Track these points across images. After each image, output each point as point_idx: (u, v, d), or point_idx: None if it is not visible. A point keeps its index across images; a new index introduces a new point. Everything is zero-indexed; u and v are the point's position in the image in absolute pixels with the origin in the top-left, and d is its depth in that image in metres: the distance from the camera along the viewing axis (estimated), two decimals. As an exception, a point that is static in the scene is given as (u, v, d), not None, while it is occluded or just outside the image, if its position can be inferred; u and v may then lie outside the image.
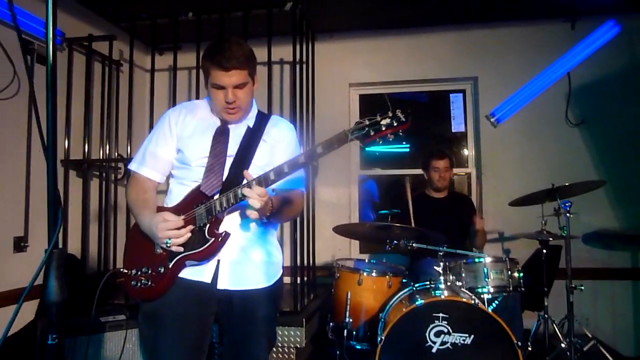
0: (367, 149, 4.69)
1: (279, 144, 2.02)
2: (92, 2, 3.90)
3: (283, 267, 2.05)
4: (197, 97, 3.72)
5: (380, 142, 1.61)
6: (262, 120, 2.07)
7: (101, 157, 4.07)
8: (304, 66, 4.01)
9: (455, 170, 3.98)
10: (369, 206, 4.92)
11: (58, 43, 3.77)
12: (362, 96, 4.61)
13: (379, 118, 1.59)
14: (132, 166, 2.07)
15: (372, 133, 1.59)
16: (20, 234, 3.37)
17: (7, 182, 3.33)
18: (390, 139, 1.60)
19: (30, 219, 3.42)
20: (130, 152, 3.97)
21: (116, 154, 4.16)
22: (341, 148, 1.64)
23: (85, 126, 3.96)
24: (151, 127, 3.74)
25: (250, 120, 2.05)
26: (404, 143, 4.86)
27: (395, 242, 3.03)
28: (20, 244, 3.34)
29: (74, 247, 3.81)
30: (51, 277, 1.16)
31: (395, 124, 1.57)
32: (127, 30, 4.06)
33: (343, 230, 3.27)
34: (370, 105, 4.54)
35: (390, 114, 1.58)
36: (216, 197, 1.87)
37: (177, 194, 1.98)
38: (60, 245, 1.10)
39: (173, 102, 3.81)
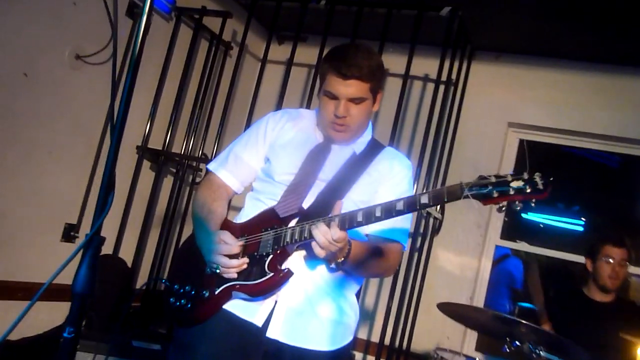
0: (523, 214, 4.72)
1: (386, 180, 2.14)
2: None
3: (356, 332, 2.17)
4: (311, 101, 3.99)
5: (504, 209, 1.64)
6: (374, 149, 2.20)
7: (182, 152, 4.37)
8: (452, 88, 4.09)
9: (632, 270, 3.89)
10: (506, 292, 4.88)
11: (165, 11, 4.19)
12: (524, 142, 4.61)
13: (509, 178, 1.62)
14: (211, 165, 2.28)
15: (495, 194, 1.62)
16: (72, 221, 3.78)
17: (74, 159, 3.74)
18: (518, 208, 1.62)
19: (88, 207, 3.82)
20: (216, 153, 4.26)
21: (200, 151, 4.42)
22: (476, 204, 1.70)
23: (173, 112, 4.29)
24: (248, 127, 4.03)
25: (358, 146, 2.19)
26: (581, 219, 4.78)
27: (517, 343, 2.91)
28: (70, 233, 3.74)
29: (127, 251, 4.14)
30: (84, 265, 1.29)
31: (528, 191, 1.59)
32: (246, 8, 4.43)
33: (452, 311, 3.28)
34: (535, 157, 4.54)
35: (525, 176, 1.61)
36: (291, 224, 1.98)
37: (249, 210, 2.15)
38: (113, 246, 1.22)
39: (281, 103, 4.08)
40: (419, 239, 4.19)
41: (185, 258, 2.20)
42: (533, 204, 1.60)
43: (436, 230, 4.30)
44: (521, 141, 4.59)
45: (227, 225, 2.12)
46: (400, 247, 2.13)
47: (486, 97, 4.51)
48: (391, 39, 3.67)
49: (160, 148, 4.25)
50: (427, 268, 4.17)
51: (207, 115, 4.45)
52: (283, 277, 1.96)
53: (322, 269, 2.04)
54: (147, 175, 4.27)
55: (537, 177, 1.59)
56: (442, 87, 3.95)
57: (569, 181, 4.83)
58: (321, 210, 1.97)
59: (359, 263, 1.98)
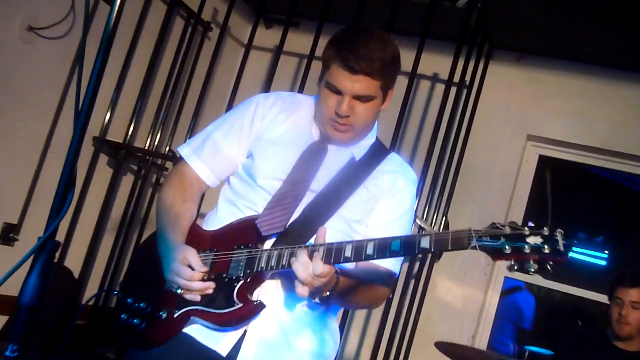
0: None
1: (386, 198, 2.15)
2: None
3: (338, 364, 2.13)
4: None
5: (516, 269, 1.65)
6: (376, 156, 2.20)
7: (146, 148, 4.31)
8: (466, 92, 4.09)
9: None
10: (511, 330, 4.87)
11: (136, -19, 4.13)
12: (545, 159, 4.58)
13: (526, 231, 1.62)
14: (184, 151, 2.23)
15: (507, 250, 1.62)
16: (12, 221, 3.73)
17: (17, 149, 3.66)
18: (532, 271, 1.62)
19: (32, 206, 3.76)
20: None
21: (167, 148, 4.40)
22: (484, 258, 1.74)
23: (139, 100, 4.22)
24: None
25: (359, 150, 2.18)
26: (605, 252, 4.84)
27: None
28: (8, 235, 3.69)
29: (74, 259, 4.08)
30: (35, 273, 1.30)
31: (546, 251, 1.58)
32: (230, -17, 4.39)
33: (451, 352, 3.26)
34: (558, 178, 4.56)
35: (545, 232, 1.60)
36: (269, 244, 1.99)
37: (223, 215, 2.14)
38: (59, 253, 1.21)
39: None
40: (417, 265, 4.17)
41: (143, 263, 2.19)
42: (550, 268, 1.60)
43: (437, 255, 4.24)
44: (541, 157, 4.60)
45: (196, 232, 2.11)
46: (392, 275, 2.15)
47: (504, 104, 4.51)
48: (398, 30, 3.61)
49: (122, 141, 4.21)
50: (425, 299, 4.14)
51: (178, 106, 4.42)
52: (253, 310, 1.96)
53: (299, 302, 2.06)
54: (104, 172, 4.23)
55: (559, 236, 1.59)
56: (453, 90, 3.97)
57: (593, 207, 4.80)
58: (306, 231, 1.99)
59: (346, 296, 2.00)
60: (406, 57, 3.79)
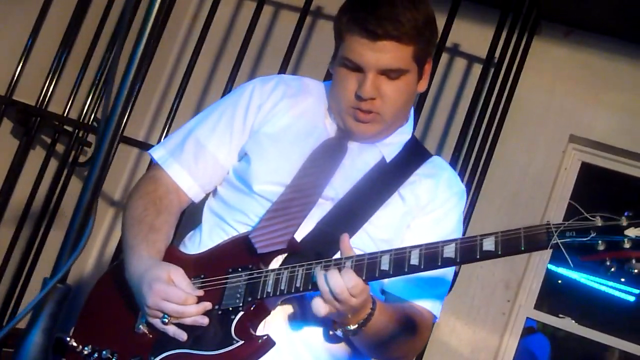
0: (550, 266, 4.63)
1: (425, 212, 2.01)
2: None
3: None
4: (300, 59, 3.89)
5: (613, 270, 1.56)
6: (414, 156, 2.07)
7: (65, 114, 3.91)
8: (503, 71, 3.73)
9: None
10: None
11: None
12: (588, 167, 4.21)
13: (624, 222, 1.52)
14: (157, 153, 2.08)
15: (600, 247, 1.54)
16: None
17: None
18: (635, 271, 1.55)
19: None
20: (123, 122, 3.72)
21: (92, 116, 3.99)
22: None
23: (60, 49, 3.80)
24: (181, 83, 3.77)
25: (390, 148, 2.04)
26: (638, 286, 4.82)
27: None
28: None
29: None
30: (37, 327, 1.26)
31: None
32: None
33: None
34: (604, 193, 4.36)
35: None
36: (274, 264, 1.85)
37: (208, 235, 2.00)
38: None
39: (246, 48, 3.72)
40: None
41: (101, 304, 2.03)
42: None
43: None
44: (583, 165, 4.21)
45: (173, 256, 1.94)
46: (432, 319, 2.01)
47: (545, 92, 4.10)
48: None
49: (34, 104, 3.78)
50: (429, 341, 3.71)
51: (106, 59, 3.99)
52: (259, 348, 1.78)
53: (317, 336, 1.89)
54: (8, 143, 3.77)
55: None
56: (484, 68, 3.63)
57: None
58: (324, 247, 1.85)
59: (378, 337, 1.82)
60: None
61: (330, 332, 1.84)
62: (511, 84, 3.86)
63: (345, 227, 1.87)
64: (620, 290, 4.78)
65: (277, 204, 1.91)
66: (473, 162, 3.74)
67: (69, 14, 3.79)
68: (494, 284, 3.99)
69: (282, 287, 1.77)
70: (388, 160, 2.01)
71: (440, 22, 3.47)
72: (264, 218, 1.90)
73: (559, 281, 4.79)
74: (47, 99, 3.79)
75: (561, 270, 5.03)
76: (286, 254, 1.86)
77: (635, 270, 1.55)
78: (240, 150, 2.05)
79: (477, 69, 4.03)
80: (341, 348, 1.93)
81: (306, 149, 1.98)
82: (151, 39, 1.52)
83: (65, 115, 3.88)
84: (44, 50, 3.77)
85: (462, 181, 3.66)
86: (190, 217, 2.33)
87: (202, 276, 1.89)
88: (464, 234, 2.27)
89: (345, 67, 1.89)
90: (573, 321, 4.29)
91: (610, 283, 4.82)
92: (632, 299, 4.69)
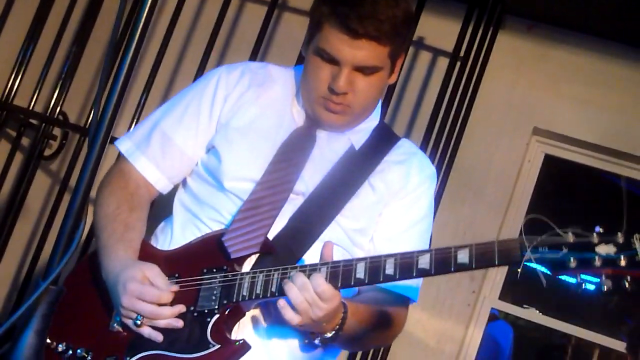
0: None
1: (397, 199, 2.00)
2: None
3: None
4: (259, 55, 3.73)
5: (584, 287, 1.61)
6: (382, 142, 2.06)
7: (30, 107, 3.87)
8: (468, 65, 3.74)
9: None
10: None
11: None
12: (551, 159, 4.20)
13: (595, 239, 1.52)
14: (124, 145, 2.04)
15: (572, 264, 1.54)
16: None
17: None
18: (605, 288, 1.55)
19: None
20: (86, 116, 3.98)
21: (58, 109, 3.90)
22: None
23: (25, 49, 3.78)
24: (149, 77, 3.74)
25: (357, 135, 2.02)
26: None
27: None
28: None
29: None
30: (30, 329, 1.31)
31: (622, 264, 1.49)
32: None
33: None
34: (566, 187, 4.42)
35: (619, 239, 1.50)
36: (248, 264, 1.83)
37: (179, 233, 1.97)
38: None
39: (216, 36, 3.72)
40: None
41: (76, 302, 1.95)
42: (627, 285, 1.52)
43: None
44: (547, 156, 4.18)
45: (147, 252, 1.92)
46: (408, 303, 2.03)
47: (508, 86, 4.08)
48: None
49: None
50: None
51: (74, 51, 3.90)
52: (236, 352, 1.77)
53: (292, 337, 1.88)
54: None
55: (637, 242, 1.49)
56: (450, 62, 3.65)
57: (601, 218, 4.60)
58: (295, 246, 1.86)
59: (354, 337, 1.86)
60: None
61: (306, 341, 1.83)
62: (476, 78, 3.87)
63: (317, 221, 1.88)
64: (584, 280, 4.86)
65: (248, 202, 1.89)
66: (439, 157, 3.75)
67: (35, 7, 3.77)
68: (459, 276, 3.93)
69: (258, 291, 1.77)
70: (357, 147, 2.01)
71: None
72: (236, 219, 1.88)
73: (521, 271, 4.84)
74: (12, 93, 3.77)
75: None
76: (258, 255, 1.85)
77: (605, 287, 1.55)
78: (208, 143, 2.03)
79: (442, 62, 4.05)
80: (317, 349, 1.93)
81: (275, 141, 1.96)
82: (141, 44, 1.55)
83: (30, 109, 3.85)
84: (9, 44, 3.76)
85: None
86: (159, 206, 2.30)
87: (177, 275, 1.87)
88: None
89: (320, 58, 1.88)
90: (537, 311, 4.29)
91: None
92: (592, 287, 4.80)
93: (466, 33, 3.52)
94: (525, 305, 4.31)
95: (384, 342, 2.07)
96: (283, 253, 1.83)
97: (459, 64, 3.60)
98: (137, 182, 2.02)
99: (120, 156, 2.06)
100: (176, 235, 1.97)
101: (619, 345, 3.67)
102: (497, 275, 4.11)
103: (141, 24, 1.32)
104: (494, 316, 4.54)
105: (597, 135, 4.02)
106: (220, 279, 1.83)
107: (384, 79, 1.93)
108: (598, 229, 1.54)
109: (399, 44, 1.89)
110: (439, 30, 3.94)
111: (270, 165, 1.92)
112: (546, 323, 4.21)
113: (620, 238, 1.51)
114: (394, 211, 1.99)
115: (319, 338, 1.76)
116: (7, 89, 3.75)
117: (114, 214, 1.96)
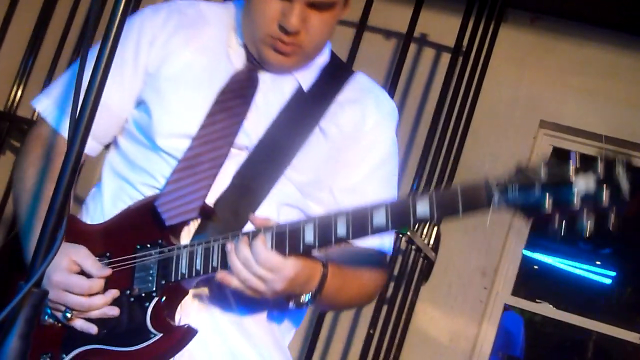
0: (525, 252, 4.45)
1: (354, 142, 1.82)
2: None
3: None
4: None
5: (563, 233, 1.38)
6: (333, 80, 1.86)
7: (34, 118, 3.78)
8: (471, 59, 3.73)
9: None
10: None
11: None
12: (559, 152, 4.19)
13: (571, 172, 1.33)
14: (41, 104, 1.83)
15: (546, 204, 1.35)
16: None
17: None
18: (588, 233, 1.36)
19: None
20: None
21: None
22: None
23: (29, 55, 3.81)
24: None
25: (305, 75, 1.82)
26: (611, 269, 4.70)
27: None
28: None
29: None
30: (14, 332, 1.22)
31: (604, 199, 1.30)
32: None
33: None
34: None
35: (599, 171, 1.32)
36: (186, 234, 1.67)
37: (109, 203, 1.79)
38: None
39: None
40: (400, 286, 3.71)
41: (3, 284, 1.81)
42: (612, 226, 1.34)
43: (424, 275, 3.90)
44: (555, 149, 4.22)
45: (75, 228, 1.73)
46: (385, 256, 1.88)
47: (513, 79, 4.11)
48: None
49: (3, 108, 3.92)
50: (399, 331, 3.76)
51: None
52: (181, 340, 1.62)
53: (245, 313, 1.72)
54: None
55: (620, 174, 1.31)
56: (453, 57, 3.65)
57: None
58: (240, 210, 1.68)
59: (334, 299, 1.73)
60: (395, 12, 3.72)
61: (269, 308, 1.72)
62: (480, 72, 3.90)
63: (264, 178, 1.73)
64: (596, 273, 4.80)
65: (183, 161, 1.71)
66: (445, 153, 3.75)
67: (35, 17, 3.85)
68: (470, 272, 4.02)
69: (198, 267, 1.61)
70: (305, 88, 1.82)
71: (408, 13, 3.47)
72: (170, 180, 1.70)
73: (535, 267, 4.80)
74: (15, 104, 3.83)
75: (537, 256, 5.03)
76: (199, 224, 1.70)
77: (588, 232, 1.36)
78: (137, 97, 1.83)
79: (445, 58, 4.05)
80: (277, 322, 1.81)
81: (212, 89, 1.76)
82: (116, 43, 1.48)
83: (34, 119, 3.75)
84: (11, 55, 3.82)
85: (434, 172, 3.71)
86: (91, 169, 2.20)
87: (108, 255, 1.72)
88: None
89: None
90: (550, 306, 4.31)
91: (586, 266, 4.84)
92: (608, 281, 4.68)
93: (467, 27, 3.52)
94: (538, 300, 4.32)
95: (362, 299, 1.90)
96: (227, 217, 1.68)
97: (461, 58, 3.59)
98: (60, 149, 1.81)
99: (38, 117, 1.87)
100: (106, 204, 1.80)
101: (634, 337, 3.69)
102: (509, 270, 4.13)
103: (116, 24, 1.26)
104: (505, 307, 4.60)
105: (605, 126, 4.00)
106: (156, 255, 1.68)
107: (339, 15, 1.75)
108: (574, 155, 1.36)
109: None
110: (440, 26, 3.94)
111: (207, 118, 1.73)
112: (560, 317, 4.27)
113: (600, 170, 1.33)
114: (351, 157, 1.81)
115: (293, 302, 1.62)
116: (10, 99, 3.80)
117: (34, 189, 1.78)
